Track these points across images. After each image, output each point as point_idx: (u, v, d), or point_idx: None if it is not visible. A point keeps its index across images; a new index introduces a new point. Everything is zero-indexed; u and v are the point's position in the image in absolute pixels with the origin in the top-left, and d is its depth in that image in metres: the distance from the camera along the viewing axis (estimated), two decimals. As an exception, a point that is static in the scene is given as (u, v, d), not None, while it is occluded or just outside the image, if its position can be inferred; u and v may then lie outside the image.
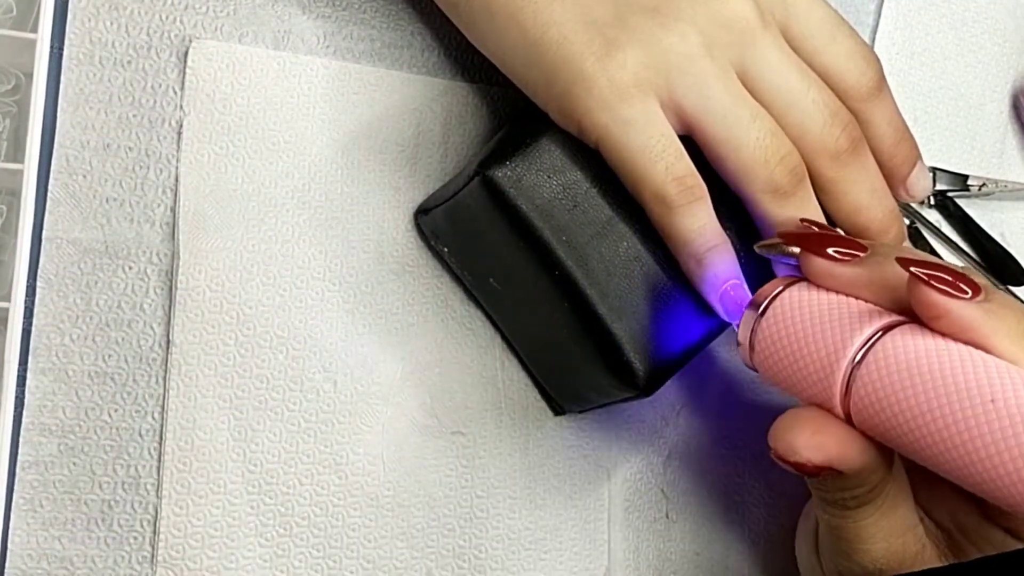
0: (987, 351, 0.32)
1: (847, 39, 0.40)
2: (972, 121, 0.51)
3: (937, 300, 0.32)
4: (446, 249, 0.43)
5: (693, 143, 0.38)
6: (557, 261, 0.38)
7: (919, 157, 0.42)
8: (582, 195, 0.38)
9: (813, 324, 0.34)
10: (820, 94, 0.39)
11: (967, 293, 0.32)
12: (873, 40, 0.51)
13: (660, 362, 0.38)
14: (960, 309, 0.32)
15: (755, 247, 0.38)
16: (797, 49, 0.39)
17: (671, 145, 0.37)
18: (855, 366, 0.33)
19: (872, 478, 0.35)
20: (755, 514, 0.47)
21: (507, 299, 0.42)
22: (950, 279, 0.32)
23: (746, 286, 0.38)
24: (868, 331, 0.33)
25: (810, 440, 0.34)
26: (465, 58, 0.45)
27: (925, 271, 0.32)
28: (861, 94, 0.40)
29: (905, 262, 0.33)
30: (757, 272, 0.39)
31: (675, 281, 0.38)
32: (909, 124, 0.42)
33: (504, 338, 0.45)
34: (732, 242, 0.38)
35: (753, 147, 0.37)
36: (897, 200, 0.41)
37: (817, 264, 0.35)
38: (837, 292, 0.35)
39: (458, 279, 0.44)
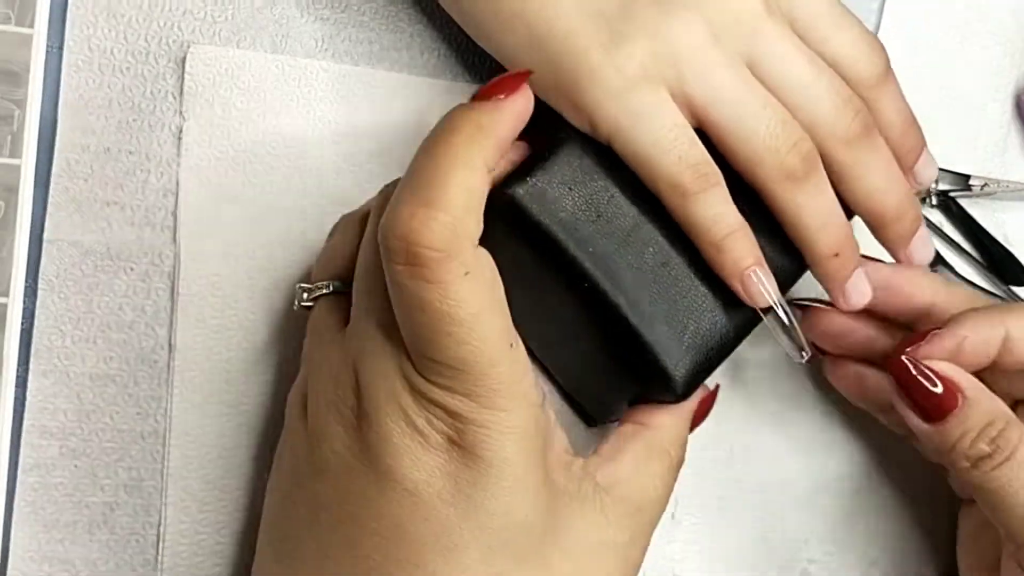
0: None
1: (852, 27, 0.40)
2: (974, 121, 0.51)
3: None
4: None
5: (705, 136, 0.38)
6: (584, 274, 0.37)
7: (925, 145, 0.42)
8: (604, 204, 0.37)
9: None
10: (831, 81, 0.38)
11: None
12: (873, 40, 0.51)
13: (696, 365, 0.37)
14: None
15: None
16: (803, 38, 0.39)
17: (683, 134, 0.37)
18: None
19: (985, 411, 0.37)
20: (755, 514, 0.47)
21: (532, 313, 0.41)
22: None
23: (768, 270, 0.37)
24: None
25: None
26: (466, 59, 0.45)
27: None
28: (869, 81, 0.40)
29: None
30: (777, 260, 0.38)
31: (705, 281, 0.38)
32: (911, 123, 0.42)
33: (529, 350, 0.44)
34: None
35: (764, 135, 0.37)
36: None
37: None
38: None
39: None
